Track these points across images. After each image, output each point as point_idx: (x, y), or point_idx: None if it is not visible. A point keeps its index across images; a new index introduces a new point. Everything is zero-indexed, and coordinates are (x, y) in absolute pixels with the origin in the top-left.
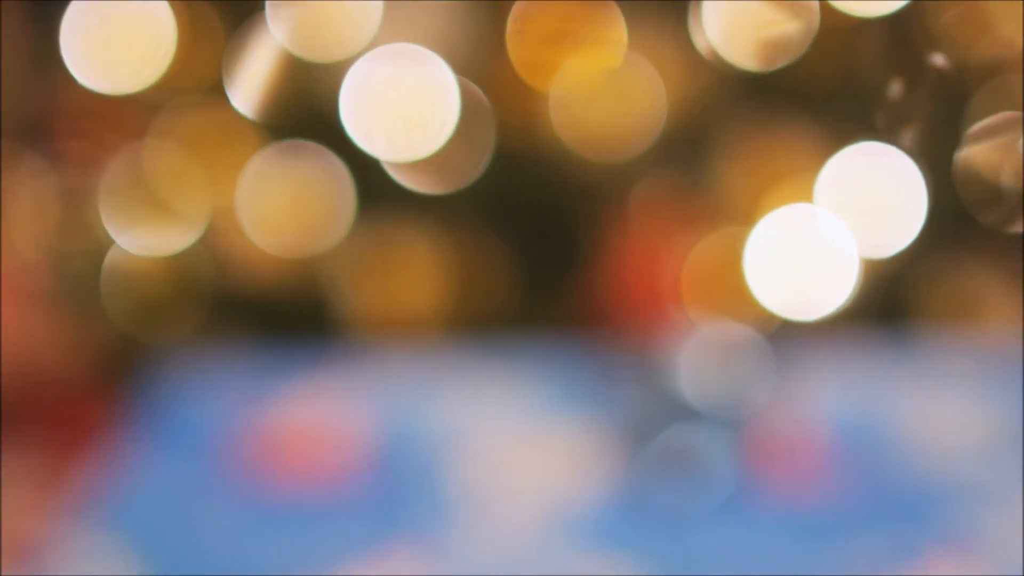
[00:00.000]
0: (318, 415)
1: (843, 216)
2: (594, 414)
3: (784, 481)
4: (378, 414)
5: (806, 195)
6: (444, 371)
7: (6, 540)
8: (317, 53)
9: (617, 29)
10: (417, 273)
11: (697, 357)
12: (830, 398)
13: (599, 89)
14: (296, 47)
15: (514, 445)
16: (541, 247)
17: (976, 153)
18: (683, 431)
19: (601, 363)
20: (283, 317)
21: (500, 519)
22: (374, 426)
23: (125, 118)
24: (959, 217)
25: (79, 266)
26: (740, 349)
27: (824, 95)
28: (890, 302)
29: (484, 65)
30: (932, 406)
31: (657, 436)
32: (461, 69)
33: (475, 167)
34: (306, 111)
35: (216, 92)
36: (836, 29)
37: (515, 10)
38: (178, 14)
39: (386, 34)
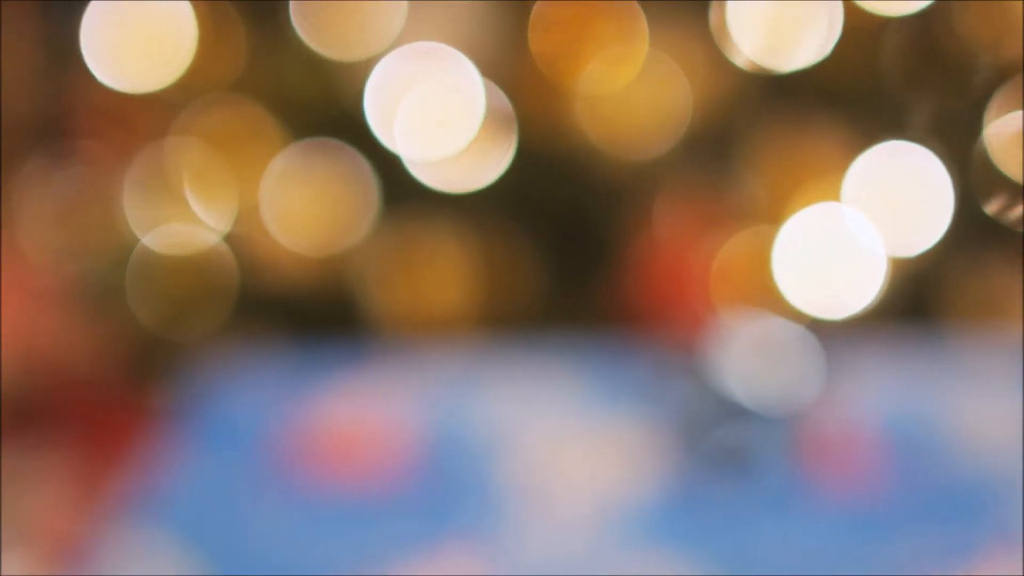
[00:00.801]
0: (363, 413)
1: (870, 215)
2: (642, 411)
3: (836, 477)
4: (423, 412)
5: (833, 194)
6: (486, 368)
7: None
8: (342, 52)
9: (641, 27)
10: (443, 271)
11: (746, 353)
12: (875, 394)
13: (624, 88)
14: (320, 45)
15: (563, 442)
16: (568, 246)
17: (998, 150)
18: (734, 428)
19: (645, 360)
20: (308, 315)
21: (552, 517)
22: (420, 424)
23: (147, 117)
24: (986, 215)
25: (104, 265)
26: (788, 345)
27: (851, 94)
28: (917, 300)
29: (509, 64)
30: (973, 403)
31: (709, 433)
32: (486, 68)
33: (497, 166)
34: (331, 109)
35: (238, 90)
36: (862, 28)
37: (539, 9)
38: (199, 13)
39: (411, 33)
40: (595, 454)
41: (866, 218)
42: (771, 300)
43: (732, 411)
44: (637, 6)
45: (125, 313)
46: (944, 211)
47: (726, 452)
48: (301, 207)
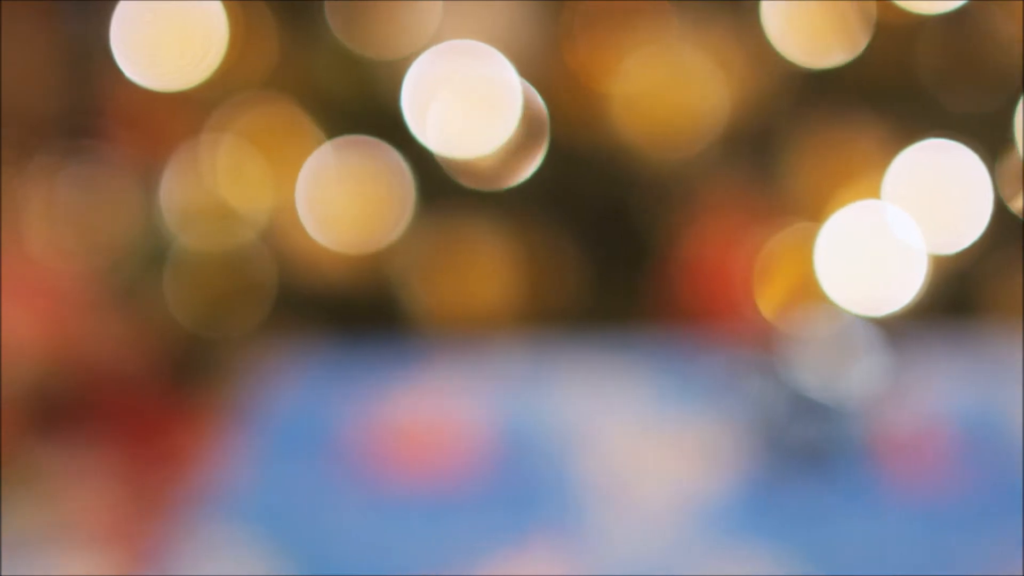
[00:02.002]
0: (433, 410)
1: (911, 212)
2: (715, 407)
3: (910, 472)
4: (494, 408)
5: (874, 191)
6: (552, 364)
7: (126, 541)
8: (378, 50)
9: (677, 26)
10: (483, 268)
11: (820, 350)
12: (943, 390)
13: (660, 86)
14: (357, 44)
15: (638, 438)
16: (608, 243)
17: None
18: (810, 424)
19: (712, 356)
20: (347, 312)
21: (633, 513)
22: (492, 421)
23: (181, 115)
24: None
25: (141, 264)
26: (860, 341)
27: (891, 92)
28: (957, 297)
29: (546, 62)
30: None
31: (785, 429)
32: (523, 66)
33: (533, 164)
34: (367, 107)
35: (271, 88)
36: (901, 26)
37: (576, 7)
38: (230, 10)
39: (448, 31)
40: (671, 450)
41: (907, 215)
42: (813, 297)
43: (808, 407)
44: (673, 4)
45: (163, 311)
46: (984, 208)
47: (802, 448)
48: (338, 204)
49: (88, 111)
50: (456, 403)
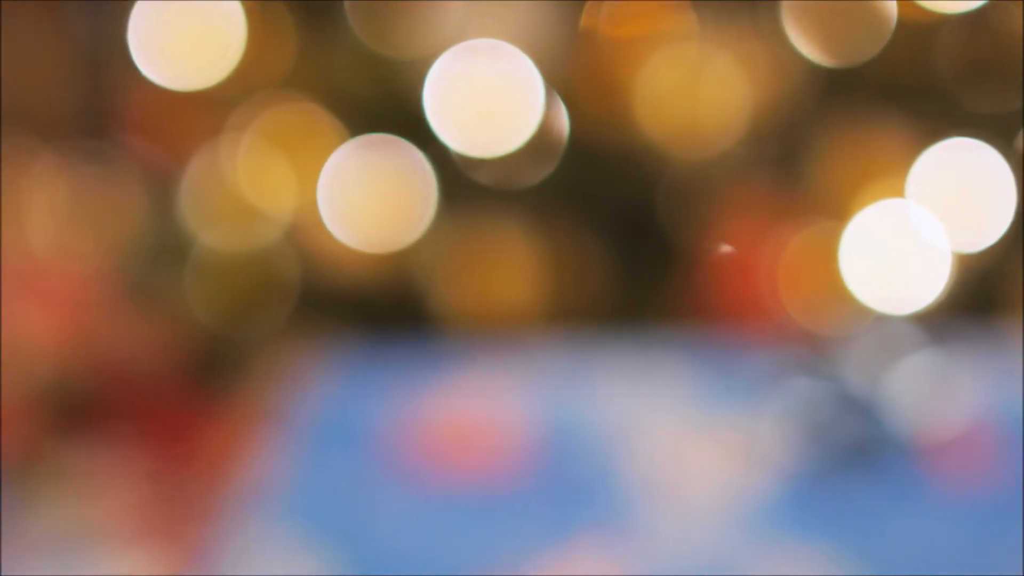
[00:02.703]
0: (475, 408)
1: (935, 211)
2: (758, 406)
3: (958, 471)
4: (536, 406)
5: (898, 190)
6: (590, 363)
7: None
8: (400, 49)
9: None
10: (507, 267)
11: (867, 348)
12: (987, 388)
13: (684, 85)
14: (378, 43)
15: (683, 436)
16: (633, 242)
17: None
18: (857, 422)
19: (754, 355)
20: (370, 311)
21: (681, 511)
22: (535, 419)
23: (201, 115)
24: None
25: (163, 264)
26: (907, 340)
27: (915, 91)
28: (982, 296)
29: (570, 61)
30: None
31: (832, 427)
32: (546, 65)
33: (550, 163)
34: (388, 106)
35: (290, 87)
36: (925, 25)
37: (599, 6)
38: (247, 9)
39: (470, 30)
40: (716, 448)
41: (931, 214)
42: (838, 296)
43: (853, 406)
44: (696, 3)
45: (186, 311)
46: (1008, 207)
47: (848, 446)
48: (360, 203)
49: (107, 111)
50: (498, 401)
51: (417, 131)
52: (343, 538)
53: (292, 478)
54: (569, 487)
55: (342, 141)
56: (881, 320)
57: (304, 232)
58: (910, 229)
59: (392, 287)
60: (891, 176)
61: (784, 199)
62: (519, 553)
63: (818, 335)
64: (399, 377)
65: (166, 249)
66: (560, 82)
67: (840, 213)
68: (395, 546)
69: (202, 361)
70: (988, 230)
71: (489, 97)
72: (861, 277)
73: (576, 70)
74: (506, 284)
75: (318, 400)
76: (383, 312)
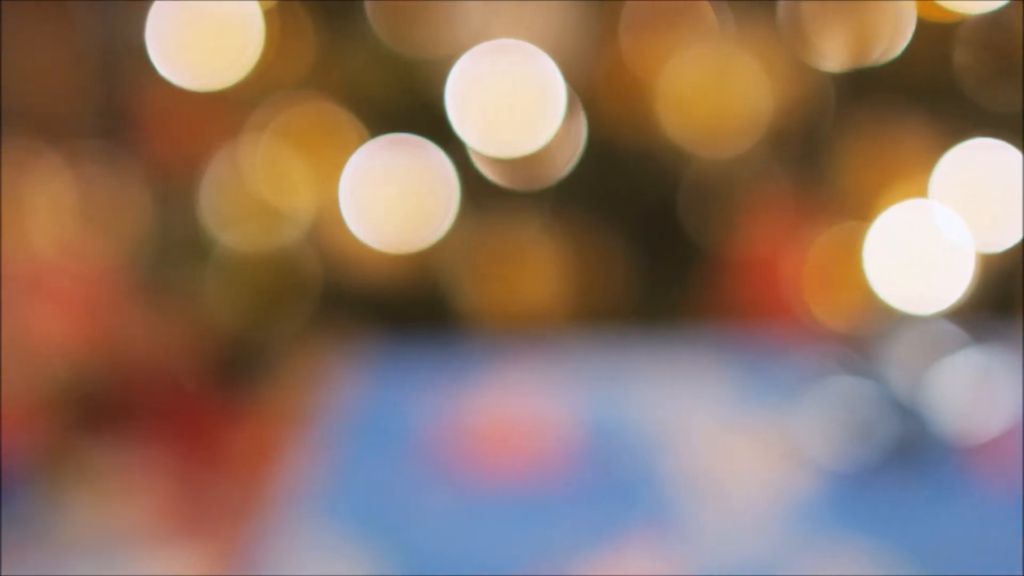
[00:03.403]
0: (516, 407)
1: (959, 211)
2: (800, 405)
3: (1001, 471)
4: (577, 406)
5: (921, 191)
6: (626, 362)
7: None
8: (421, 49)
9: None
10: (529, 266)
11: (909, 348)
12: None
13: (707, 85)
14: (400, 43)
15: (726, 436)
16: (655, 242)
17: None
18: (899, 422)
19: (797, 355)
20: (392, 311)
21: (726, 510)
22: (576, 418)
23: (220, 115)
24: None
25: (185, 265)
26: (949, 341)
27: (938, 91)
28: (1006, 296)
29: (592, 61)
30: None
31: (873, 428)
32: (568, 65)
33: (568, 163)
34: (410, 105)
35: (309, 87)
36: (947, 26)
37: (621, 7)
38: (265, 9)
39: (492, 30)
40: (759, 447)
41: (954, 214)
42: (862, 296)
43: (897, 406)
44: (718, 4)
45: (208, 312)
46: None
47: (892, 446)
48: (382, 202)
49: (125, 112)
50: (536, 400)
51: (438, 131)
52: (386, 538)
53: (331, 478)
54: (612, 487)
55: (363, 141)
56: (921, 320)
57: (325, 232)
58: (933, 229)
59: (414, 288)
60: (914, 176)
61: (806, 199)
62: (563, 553)
63: (855, 335)
64: (430, 377)
65: (187, 249)
66: (582, 82)
67: (863, 213)
68: (437, 546)
69: (224, 361)
70: (1011, 230)
71: (511, 97)
72: (884, 277)
73: (598, 70)
74: (528, 284)
75: (352, 400)
76: (405, 312)
